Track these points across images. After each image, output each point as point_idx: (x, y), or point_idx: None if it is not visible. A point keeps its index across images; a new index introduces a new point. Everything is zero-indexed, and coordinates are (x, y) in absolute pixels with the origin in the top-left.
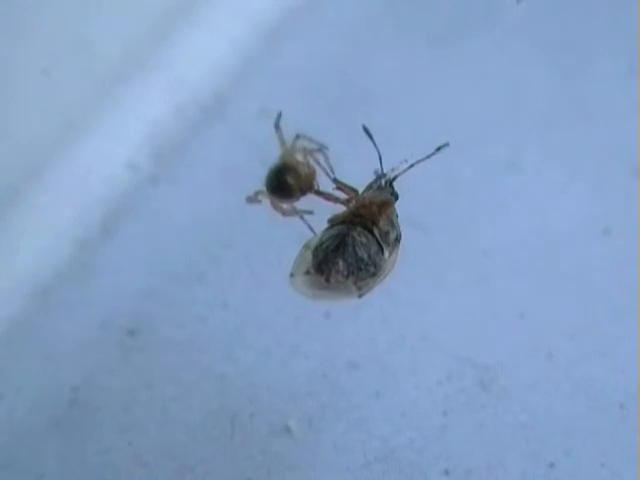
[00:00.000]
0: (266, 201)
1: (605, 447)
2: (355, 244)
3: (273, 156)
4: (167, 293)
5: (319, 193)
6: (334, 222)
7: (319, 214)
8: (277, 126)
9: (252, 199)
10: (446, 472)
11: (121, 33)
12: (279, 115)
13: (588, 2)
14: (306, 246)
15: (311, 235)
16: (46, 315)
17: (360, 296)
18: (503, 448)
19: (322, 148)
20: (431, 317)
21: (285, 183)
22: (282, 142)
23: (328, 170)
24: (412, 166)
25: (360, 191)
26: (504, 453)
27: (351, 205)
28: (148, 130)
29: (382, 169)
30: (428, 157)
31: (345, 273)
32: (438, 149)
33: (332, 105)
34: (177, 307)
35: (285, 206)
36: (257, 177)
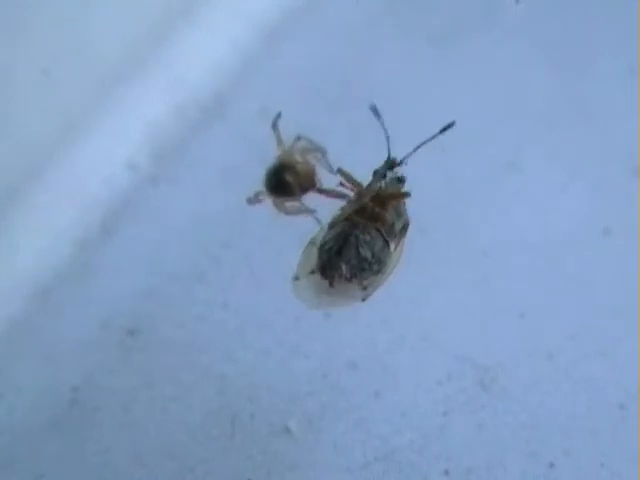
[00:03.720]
0: (267, 201)
1: (605, 447)
2: (359, 244)
3: (273, 156)
4: (167, 293)
5: (322, 191)
6: (338, 220)
7: (323, 212)
8: (275, 126)
9: (252, 200)
10: (446, 472)
11: (121, 33)
12: (278, 115)
13: (588, 2)
14: (312, 242)
15: (316, 231)
16: (46, 315)
17: (364, 299)
18: (503, 448)
19: (321, 150)
20: (431, 317)
21: (283, 181)
22: (279, 142)
23: (328, 168)
24: (418, 148)
25: (365, 183)
26: (504, 453)
27: (356, 198)
28: (148, 130)
29: (389, 151)
30: (434, 137)
31: (348, 276)
32: (444, 129)
33: (332, 105)
34: (177, 307)
35: (288, 205)
36: (257, 177)
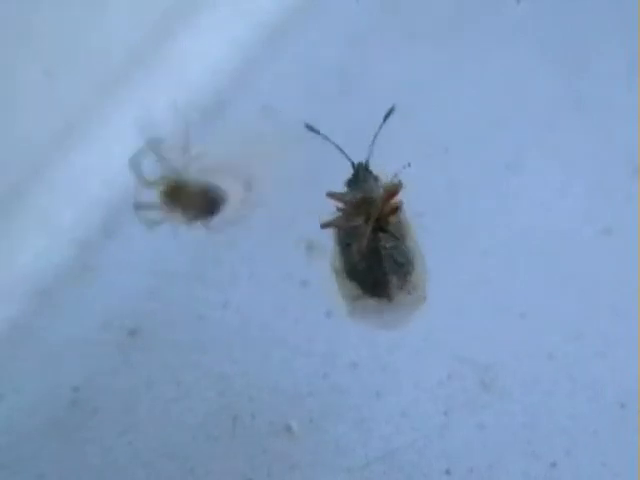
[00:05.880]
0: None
1: (606, 447)
2: (391, 254)
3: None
4: (168, 293)
5: (327, 225)
6: (343, 227)
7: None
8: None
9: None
10: (447, 472)
11: (122, 34)
12: (156, 142)
13: (588, 2)
14: (335, 270)
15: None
16: (46, 315)
17: (424, 298)
18: (504, 448)
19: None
20: (431, 317)
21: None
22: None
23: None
24: (373, 144)
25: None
26: (505, 453)
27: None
28: (148, 131)
29: (351, 160)
30: (381, 127)
31: (400, 284)
32: (387, 116)
33: (332, 105)
34: (178, 307)
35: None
36: None
